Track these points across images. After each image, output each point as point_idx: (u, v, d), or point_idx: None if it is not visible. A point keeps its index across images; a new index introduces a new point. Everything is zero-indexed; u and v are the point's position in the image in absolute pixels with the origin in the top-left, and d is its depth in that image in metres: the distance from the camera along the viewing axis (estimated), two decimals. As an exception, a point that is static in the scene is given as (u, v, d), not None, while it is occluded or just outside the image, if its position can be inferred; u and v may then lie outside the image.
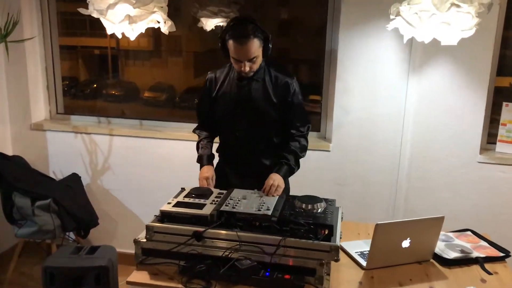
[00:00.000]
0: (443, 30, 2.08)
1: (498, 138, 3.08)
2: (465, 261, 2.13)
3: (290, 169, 2.43)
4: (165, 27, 2.53)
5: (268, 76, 2.42)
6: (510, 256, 2.20)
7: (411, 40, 2.90)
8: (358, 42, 2.98)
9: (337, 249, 1.87)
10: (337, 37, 3.06)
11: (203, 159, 2.57)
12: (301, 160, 2.51)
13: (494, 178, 3.02)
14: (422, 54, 2.91)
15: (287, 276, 1.89)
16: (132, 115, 3.82)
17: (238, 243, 1.94)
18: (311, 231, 1.92)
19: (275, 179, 2.29)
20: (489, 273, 2.06)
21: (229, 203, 2.09)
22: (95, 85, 4.05)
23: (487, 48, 2.83)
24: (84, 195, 3.42)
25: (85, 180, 3.56)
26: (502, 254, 2.20)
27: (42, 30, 3.57)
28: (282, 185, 2.30)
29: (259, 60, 2.33)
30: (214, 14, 3.56)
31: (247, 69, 2.29)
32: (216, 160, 2.66)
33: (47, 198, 3.05)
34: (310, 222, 1.94)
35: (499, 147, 3.07)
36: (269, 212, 2.01)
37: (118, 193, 3.58)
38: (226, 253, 1.93)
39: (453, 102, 2.96)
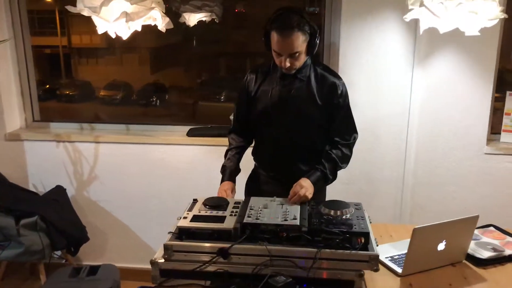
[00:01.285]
0: (469, 20, 1.98)
1: (503, 128, 3.04)
2: (499, 260, 2.05)
3: (325, 178, 2.21)
4: (163, 24, 2.33)
5: (314, 75, 2.20)
6: (542, 251, 2.13)
7: (415, 31, 2.82)
8: (360, 34, 2.86)
9: (377, 258, 1.74)
10: (336, 29, 2.92)
11: (226, 173, 2.33)
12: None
13: (501, 169, 2.97)
14: (427, 45, 2.82)
15: (325, 291, 1.75)
16: (88, 117, 3.57)
17: (268, 258, 1.78)
18: (347, 240, 1.78)
19: (304, 186, 2.08)
20: (525, 271, 1.99)
21: (251, 214, 1.92)
22: (47, 86, 3.81)
23: (493, 36, 2.76)
24: (71, 209, 3.17)
25: (70, 192, 3.29)
26: (535, 250, 2.13)
27: (12, 31, 3.27)
28: (310, 194, 2.08)
29: (303, 57, 2.12)
30: (198, 9, 3.37)
31: (288, 64, 2.08)
32: (251, 164, 2.47)
33: (33, 215, 2.78)
34: (344, 231, 1.80)
35: (504, 137, 3.03)
36: (297, 222, 1.85)
37: (106, 204, 3.34)
38: (256, 270, 1.77)
39: (459, 93, 2.89)
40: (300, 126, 2.25)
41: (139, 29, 2.26)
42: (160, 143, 3.19)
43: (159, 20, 2.26)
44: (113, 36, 2.25)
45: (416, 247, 1.87)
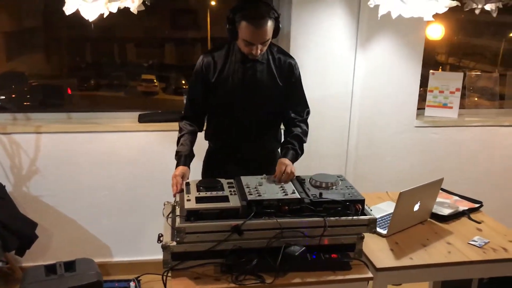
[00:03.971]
0: (430, 6, 2.24)
1: (427, 103, 3.44)
2: (456, 215, 2.39)
3: (297, 154, 2.34)
4: (135, 4, 2.25)
5: (271, 57, 2.29)
6: (483, 205, 2.52)
7: (358, 16, 3.07)
8: (310, 17, 3.01)
9: (375, 221, 1.93)
10: (286, 12, 3.05)
11: (180, 159, 2.27)
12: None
13: (427, 139, 3.38)
14: (367, 29, 3.07)
15: (334, 255, 1.91)
16: None
17: (278, 231, 1.87)
18: (347, 207, 1.95)
19: (288, 165, 2.18)
20: (478, 222, 2.34)
21: (251, 192, 2.00)
22: None
23: (421, 22, 3.10)
24: (15, 206, 2.91)
25: (7, 189, 3.01)
26: (477, 205, 2.50)
27: None
28: (294, 171, 2.19)
29: (269, 41, 2.19)
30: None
31: (259, 52, 2.15)
32: (201, 149, 2.47)
33: (-20, 215, 2.53)
34: (344, 199, 1.96)
35: (428, 111, 3.45)
36: (297, 195, 1.98)
37: (50, 199, 3.11)
38: (270, 243, 1.86)
39: (394, 73, 3.21)
40: (263, 107, 2.36)
41: (115, 11, 2.17)
42: (109, 131, 3.06)
43: (136, 1, 2.19)
44: (87, 18, 2.14)
45: (400, 209, 2.11)
